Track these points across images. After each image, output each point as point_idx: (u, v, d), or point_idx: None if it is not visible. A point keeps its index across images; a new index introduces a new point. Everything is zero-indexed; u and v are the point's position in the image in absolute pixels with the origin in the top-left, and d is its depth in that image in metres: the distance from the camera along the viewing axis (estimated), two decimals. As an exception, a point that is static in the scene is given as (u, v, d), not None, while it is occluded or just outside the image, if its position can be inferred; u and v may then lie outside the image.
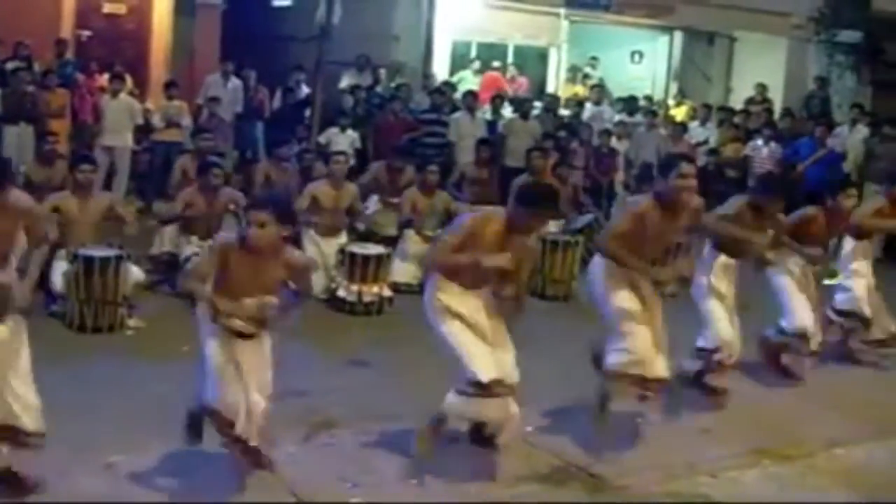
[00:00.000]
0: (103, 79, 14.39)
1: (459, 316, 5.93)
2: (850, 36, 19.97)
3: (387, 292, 9.85)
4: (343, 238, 10.33)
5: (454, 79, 18.21)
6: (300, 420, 6.62)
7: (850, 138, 15.15)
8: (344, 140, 13.67)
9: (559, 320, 9.54)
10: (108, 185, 12.74)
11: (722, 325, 7.42)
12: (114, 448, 5.93)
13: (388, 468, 6.06)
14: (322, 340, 8.15)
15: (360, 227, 11.07)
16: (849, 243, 8.93)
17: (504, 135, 14.31)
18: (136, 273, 8.80)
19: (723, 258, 7.52)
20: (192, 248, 9.47)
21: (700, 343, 7.53)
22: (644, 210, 6.48)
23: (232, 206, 9.80)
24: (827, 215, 8.23)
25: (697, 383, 7.66)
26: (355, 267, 9.62)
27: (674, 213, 6.52)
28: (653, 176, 13.02)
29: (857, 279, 8.83)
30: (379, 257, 9.78)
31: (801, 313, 8.05)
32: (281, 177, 11.31)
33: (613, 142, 15.07)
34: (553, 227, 10.78)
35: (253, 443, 5.46)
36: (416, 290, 10.35)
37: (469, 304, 5.97)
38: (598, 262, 6.71)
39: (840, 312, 8.93)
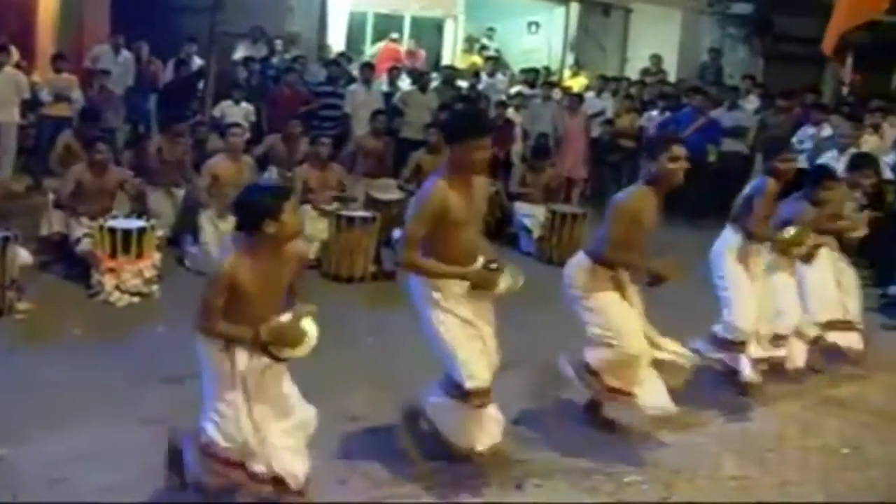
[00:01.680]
0: (-14, 51, 13.94)
1: (453, 311, 5.55)
2: (742, 8, 20.33)
3: (285, 269, 9.74)
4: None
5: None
6: (197, 402, 6.48)
7: (744, 109, 15.37)
8: (238, 113, 13.48)
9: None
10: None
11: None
12: (1, 439, 5.76)
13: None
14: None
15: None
16: None
17: (401, 107, 14.24)
18: (24, 255, 8.55)
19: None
20: (82, 228, 9.27)
21: None
22: (641, 203, 6.11)
23: (125, 185, 9.66)
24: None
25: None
26: (252, 243, 9.48)
27: (661, 198, 6.19)
28: (549, 147, 13.13)
29: None
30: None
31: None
32: (174, 152, 11.11)
33: (510, 113, 15.10)
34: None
35: None
36: (314, 264, 10.32)
37: (462, 292, 5.57)
38: (579, 263, 6.33)
39: None
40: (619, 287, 6.21)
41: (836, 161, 11.02)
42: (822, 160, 11.27)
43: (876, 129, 12.63)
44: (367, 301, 9.38)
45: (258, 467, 4.96)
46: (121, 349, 7.64)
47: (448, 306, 5.55)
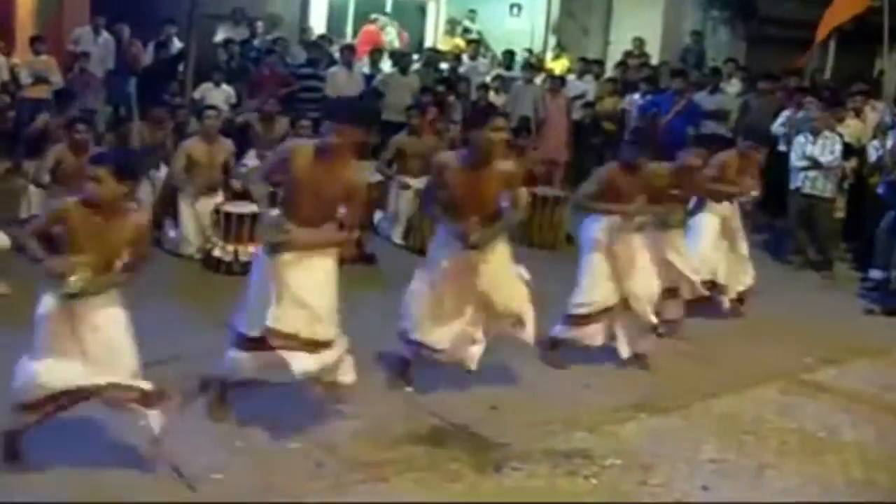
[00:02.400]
0: (-35, 33, 13.87)
1: (273, 266, 5.86)
2: (724, -10, 20.31)
3: (263, 251, 9.71)
4: (219, 197, 10.14)
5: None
6: (178, 385, 6.48)
7: (726, 92, 15.35)
8: (219, 95, 13.41)
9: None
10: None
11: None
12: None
13: (266, 431, 6.00)
14: (197, 302, 8.01)
15: (236, 184, 10.88)
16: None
17: (382, 89, 14.18)
18: (2, 238, 8.49)
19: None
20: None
21: None
22: (447, 161, 6.55)
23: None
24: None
25: None
26: (230, 226, 9.47)
27: (483, 169, 6.43)
28: (530, 129, 13.09)
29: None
30: (254, 216, 9.60)
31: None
32: (155, 137, 11.05)
33: (491, 96, 15.07)
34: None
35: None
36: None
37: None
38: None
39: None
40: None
41: (810, 144, 11.06)
42: (795, 143, 11.32)
43: (858, 113, 12.66)
44: (347, 283, 9.33)
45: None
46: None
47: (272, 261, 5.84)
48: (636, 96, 15.40)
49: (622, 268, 7.40)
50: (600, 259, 7.39)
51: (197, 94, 13.32)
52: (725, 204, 9.06)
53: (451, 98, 14.38)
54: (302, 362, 5.82)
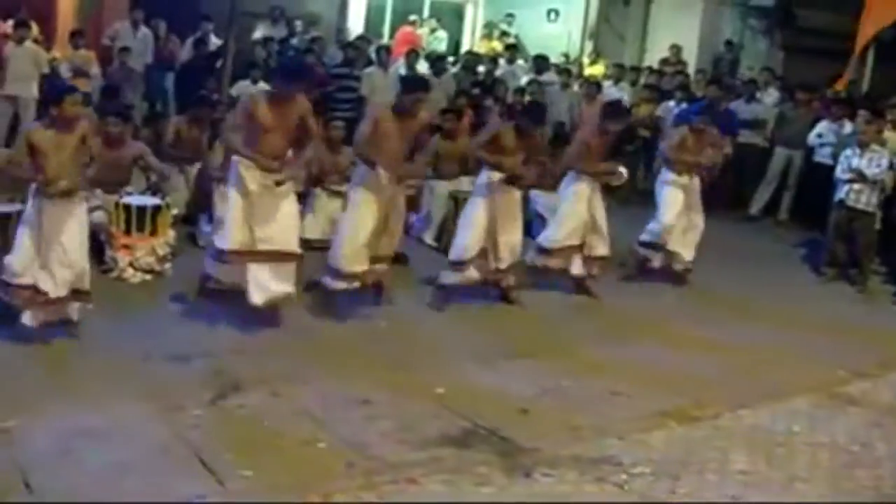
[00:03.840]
0: (7, 26, 13.92)
1: (244, 190, 7.36)
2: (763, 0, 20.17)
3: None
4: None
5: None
6: (207, 381, 6.53)
7: (762, 101, 15.27)
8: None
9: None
10: (12, 136, 12.43)
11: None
12: (7, 412, 5.76)
13: (296, 430, 6.00)
14: (230, 299, 8.03)
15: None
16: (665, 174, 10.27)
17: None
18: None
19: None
20: (96, 200, 9.25)
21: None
22: (383, 113, 8.12)
23: (140, 161, 9.68)
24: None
25: None
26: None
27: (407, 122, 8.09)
28: (566, 134, 13.06)
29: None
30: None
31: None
32: (191, 132, 11.08)
33: (527, 100, 15.01)
34: (466, 184, 10.68)
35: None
36: (327, 246, 10.29)
37: (256, 178, 7.36)
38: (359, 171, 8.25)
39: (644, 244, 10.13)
40: (378, 187, 7.94)
41: (856, 157, 10.93)
42: (842, 156, 11.19)
43: (895, 125, 12.55)
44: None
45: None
46: (131, 326, 7.63)
47: (242, 176, 7.40)
48: (671, 104, 15.34)
49: (499, 215, 8.67)
50: (482, 208, 8.64)
51: (234, 91, 13.36)
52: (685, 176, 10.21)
53: (488, 101, 14.37)
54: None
